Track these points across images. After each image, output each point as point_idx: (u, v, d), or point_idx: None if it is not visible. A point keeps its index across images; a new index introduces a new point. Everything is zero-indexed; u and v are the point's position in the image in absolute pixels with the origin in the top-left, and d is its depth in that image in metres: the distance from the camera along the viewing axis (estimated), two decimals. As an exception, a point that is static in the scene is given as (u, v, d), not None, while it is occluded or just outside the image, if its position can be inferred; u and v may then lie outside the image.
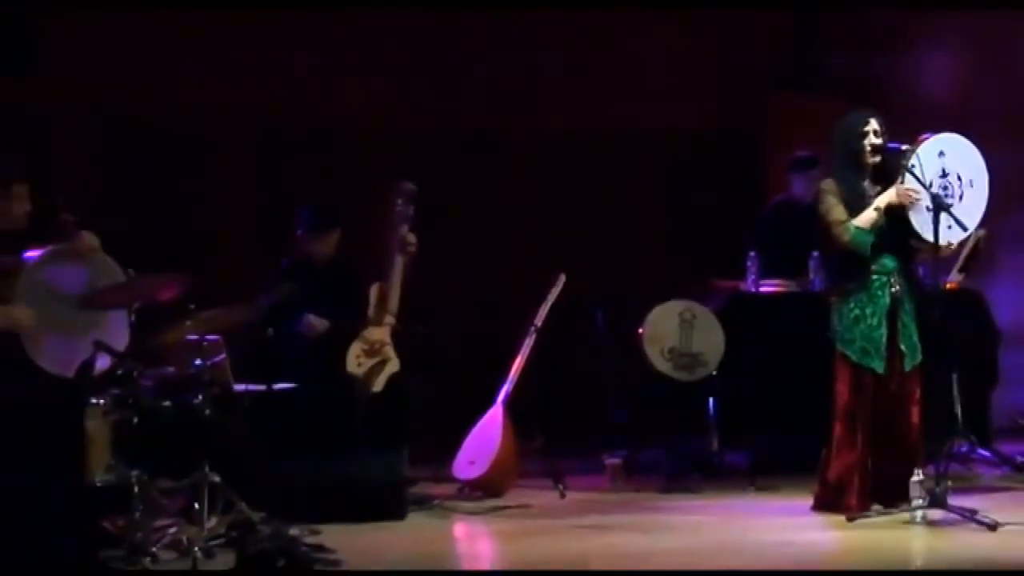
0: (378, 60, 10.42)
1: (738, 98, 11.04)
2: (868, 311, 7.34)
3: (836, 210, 7.35)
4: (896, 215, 7.29)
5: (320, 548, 6.48)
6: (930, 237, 7.23)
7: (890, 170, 7.33)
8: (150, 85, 9.96)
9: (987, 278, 10.10)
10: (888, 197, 7.30)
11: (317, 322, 8.06)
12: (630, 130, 11.08)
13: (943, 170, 7.32)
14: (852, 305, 7.37)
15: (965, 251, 8.93)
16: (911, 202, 7.24)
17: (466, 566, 7.04)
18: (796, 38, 11.32)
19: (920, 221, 7.27)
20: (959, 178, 7.36)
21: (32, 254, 6.74)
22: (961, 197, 7.35)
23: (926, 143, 7.31)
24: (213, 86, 10.11)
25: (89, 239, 6.84)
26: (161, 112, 10.06)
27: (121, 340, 6.77)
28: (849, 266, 7.41)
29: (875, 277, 7.37)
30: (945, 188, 7.30)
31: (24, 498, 6.04)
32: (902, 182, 7.25)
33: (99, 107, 9.96)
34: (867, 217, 7.31)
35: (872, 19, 11.16)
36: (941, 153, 7.32)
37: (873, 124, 7.39)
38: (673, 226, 11.18)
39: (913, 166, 7.22)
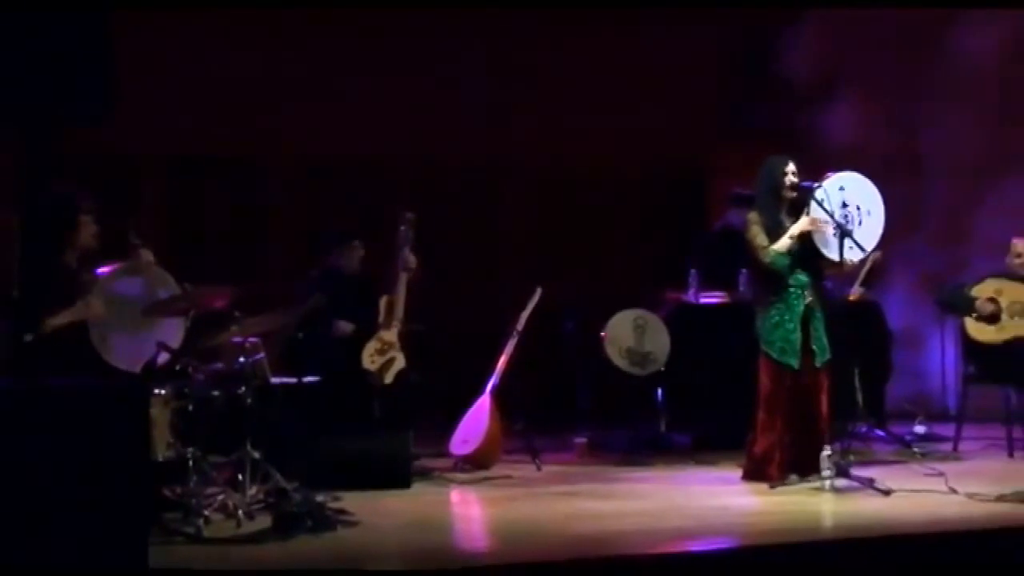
0: (389, 108, 10.45)
1: (687, 147, 11.12)
2: (786, 317, 7.37)
3: (759, 237, 7.38)
4: (807, 240, 7.32)
5: (341, 511, 6.48)
6: (835, 257, 7.26)
7: (801, 204, 7.35)
8: (209, 129, 9.95)
9: (882, 291, 10.13)
10: (800, 226, 7.33)
11: (344, 325, 8.08)
12: (598, 176, 11.14)
13: (843, 202, 7.33)
14: (773, 312, 7.39)
15: (864, 269, 8.97)
16: (818, 228, 7.27)
17: (460, 526, 7.03)
18: (732, 99, 11.35)
19: (826, 244, 7.30)
20: (858, 208, 7.37)
21: (103, 270, 6.74)
22: (860, 223, 7.36)
23: (829, 180, 7.34)
24: (259, 132, 10.12)
25: (144, 255, 6.85)
26: (217, 152, 10.07)
27: (175, 340, 6.77)
28: (770, 282, 7.43)
29: (791, 290, 7.39)
30: (846, 216, 7.32)
31: (99, 473, 5.99)
32: (808, 213, 7.28)
33: (166, 149, 9.95)
34: (783, 243, 7.34)
35: (793, 82, 11.20)
36: (842, 188, 7.33)
37: (791, 166, 7.43)
38: (630, 249, 11.19)
39: (822, 200, 7.24)
